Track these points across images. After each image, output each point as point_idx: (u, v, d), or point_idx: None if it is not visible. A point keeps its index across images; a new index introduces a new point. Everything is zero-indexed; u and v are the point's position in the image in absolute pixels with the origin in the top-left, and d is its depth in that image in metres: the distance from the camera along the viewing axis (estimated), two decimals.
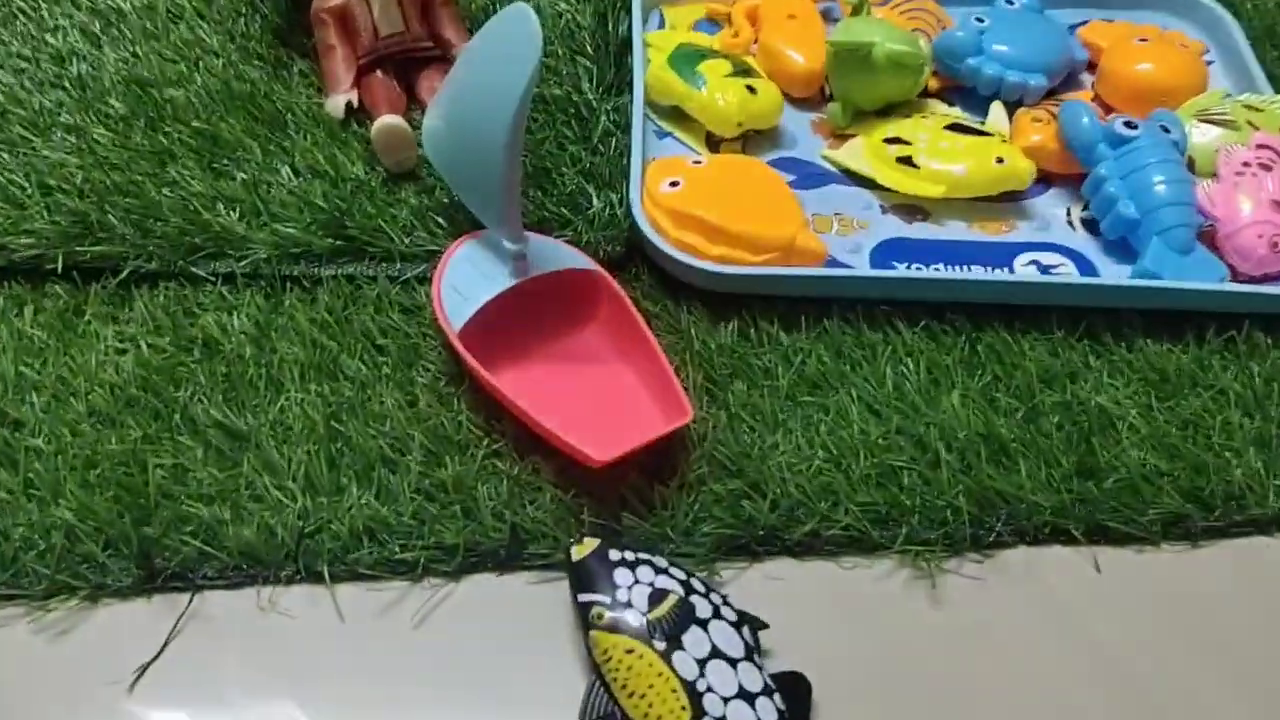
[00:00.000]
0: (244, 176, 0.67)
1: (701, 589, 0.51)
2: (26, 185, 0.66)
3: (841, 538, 0.56)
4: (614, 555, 0.52)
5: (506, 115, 0.54)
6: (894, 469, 0.58)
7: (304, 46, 0.75)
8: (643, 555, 0.52)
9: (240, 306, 0.63)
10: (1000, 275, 0.66)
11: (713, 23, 0.83)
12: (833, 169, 0.73)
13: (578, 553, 0.52)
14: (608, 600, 0.50)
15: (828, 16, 0.82)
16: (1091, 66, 0.79)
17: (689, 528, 0.56)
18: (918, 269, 0.67)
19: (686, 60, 0.74)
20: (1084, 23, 0.83)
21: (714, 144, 0.74)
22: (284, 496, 0.56)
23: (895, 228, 0.70)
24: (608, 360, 0.61)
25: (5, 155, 0.67)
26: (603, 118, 0.72)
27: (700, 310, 0.64)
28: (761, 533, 0.56)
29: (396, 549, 0.55)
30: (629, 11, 0.79)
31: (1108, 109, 0.75)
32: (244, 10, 0.78)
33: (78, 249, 0.63)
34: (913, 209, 0.71)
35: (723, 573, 0.56)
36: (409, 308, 0.64)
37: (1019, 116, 0.74)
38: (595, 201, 0.67)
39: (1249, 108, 0.73)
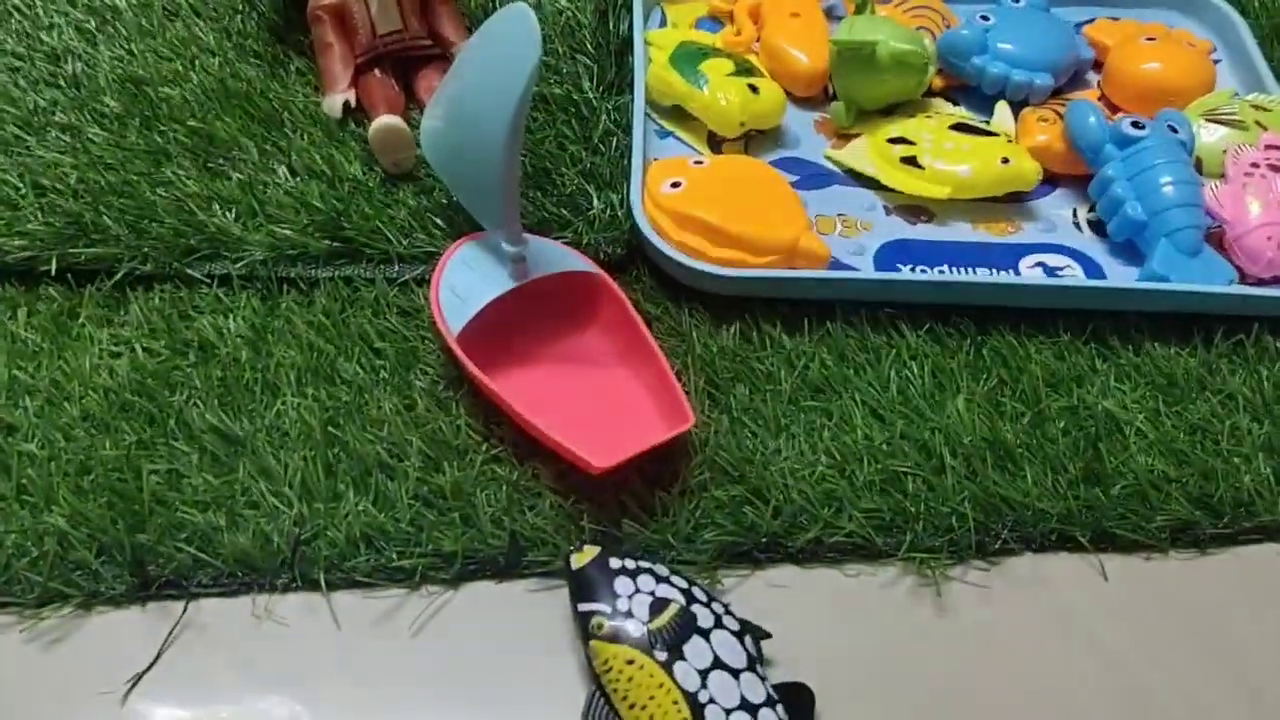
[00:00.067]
0: (240, 177, 0.66)
1: (703, 598, 0.51)
2: (20, 186, 0.65)
3: (845, 545, 0.56)
4: (614, 563, 0.51)
5: (505, 116, 0.53)
6: (898, 475, 0.57)
7: (301, 44, 0.74)
8: (644, 563, 0.51)
9: (236, 309, 0.63)
10: (1006, 278, 0.66)
11: (715, 20, 0.82)
12: (836, 169, 0.72)
13: (578, 561, 0.51)
14: (608, 610, 0.49)
15: (831, 14, 0.81)
16: (1098, 65, 0.78)
17: (690, 534, 0.55)
18: (922, 271, 0.66)
19: (688, 59, 0.73)
20: (1090, 21, 0.82)
21: (716, 144, 0.73)
22: (280, 503, 0.55)
23: (899, 229, 0.69)
24: (608, 364, 0.61)
25: None
26: (603, 117, 0.71)
27: (702, 313, 0.64)
28: (764, 540, 0.55)
29: (394, 556, 0.54)
30: (630, 9, 0.78)
31: (1114, 108, 0.75)
32: (241, 7, 0.77)
33: (72, 251, 0.63)
34: (917, 210, 0.70)
35: (724, 580, 0.55)
36: (407, 310, 0.63)
37: (1025, 116, 0.73)
38: (596, 202, 0.66)
39: (1257, 107, 0.73)
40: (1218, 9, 0.83)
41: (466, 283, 0.60)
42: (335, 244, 0.64)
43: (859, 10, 0.75)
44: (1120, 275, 0.66)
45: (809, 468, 0.57)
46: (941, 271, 0.66)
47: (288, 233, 0.64)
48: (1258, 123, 0.71)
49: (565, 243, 0.64)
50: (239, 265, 0.63)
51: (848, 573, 0.56)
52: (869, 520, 0.56)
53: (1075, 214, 0.71)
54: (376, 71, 0.71)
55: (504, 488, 0.56)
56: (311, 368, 0.60)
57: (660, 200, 0.65)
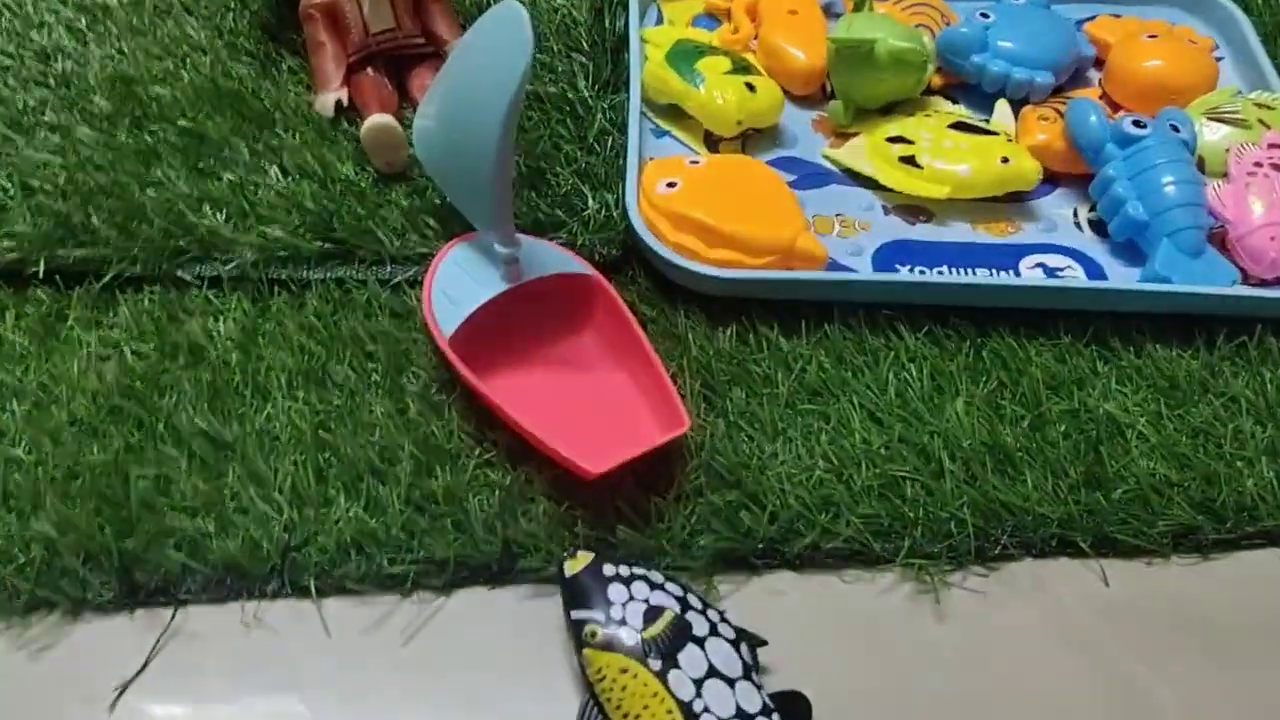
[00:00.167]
0: (231, 177, 0.66)
1: (698, 605, 0.50)
2: (8, 186, 0.64)
3: (843, 550, 0.55)
4: (608, 570, 0.50)
5: (497, 117, 0.52)
6: (896, 479, 0.57)
7: (293, 43, 0.74)
8: (638, 570, 0.51)
9: (226, 311, 0.62)
10: (1006, 279, 0.65)
11: (712, 18, 0.81)
12: (834, 169, 0.72)
13: (571, 568, 0.50)
14: (601, 618, 0.49)
15: (829, 11, 0.80)
16: (1099, 63, 0.78)
17: (686, 540, 0.54)
18: (921, 272, 0.65)
19: (684, 57, 0.72)
20: (1091, 18, 0.81)
21: (713, 143, 0.72)
22: (270, 508, 0.54)
23: (898, 229, 0.68)
24: (603, 367, 0.60)
25: None
26: (599, 116, 0.70)
27: (698, 315, 0.63)
28: (760, 545, 0.55)
29: (385, 562, 0.53)
30: (626, 6, 0.77)
31: (1115, 106, 0.74)
32: (232, 5, 0.76)
33: (60, 252, 0.62)
34: (916, 210, 0.69)
35: (720, 587, 0.54)
36: (399, 312, 0.62)
37: (1025, 115, 0.72)
38: (591, 203, 0.65)
39: (1260, 105, 0.72)
40: (1220, 6, 0.82)
41: (459, 285, 0.59)
42: (327, 245, 0.63)
43: (857, 7, 0.74)
44: (1122, 276, 0.66)
45: (806, 472, 0.57)
46: (941, 272, 0.65)
47: (279, 234, 0.63)
48: (1261, 121, 0.70)
49: (560, 243, 0.63)
50: (229, 267, 0.63)
51: (845, 579, 0.55)
52: (867, 526, 0.55)
53: (1076, 214, 0.70)
54: (369, 70, 0.70)
55: (497, 493, 0.55)
56: (302, 371, 0.59)
57: (656, 201, 0.64)
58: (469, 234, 0.62)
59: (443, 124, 0.60)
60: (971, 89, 0.76)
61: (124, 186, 0.64)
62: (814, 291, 0.63)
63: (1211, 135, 0.70)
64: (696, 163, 0.67)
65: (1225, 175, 0.68)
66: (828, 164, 0.72)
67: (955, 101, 0.76)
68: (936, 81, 0.75)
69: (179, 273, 0.63)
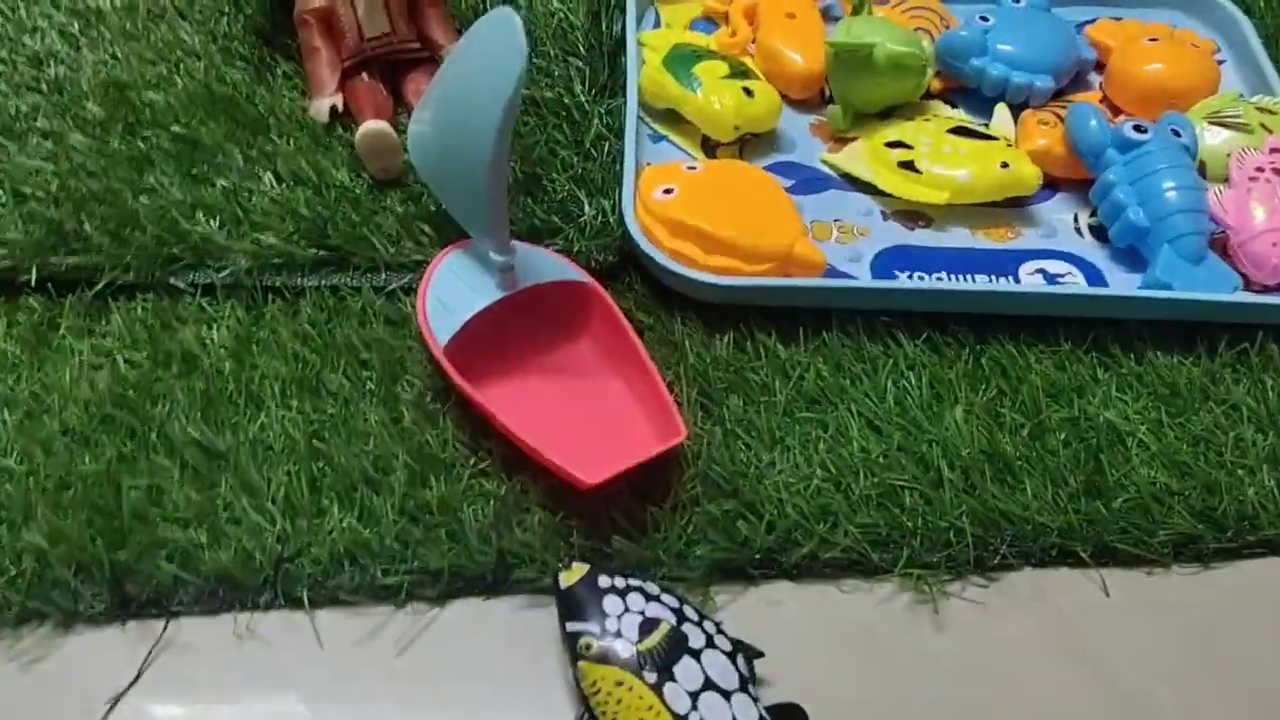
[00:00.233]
0: (224, 183, 0.65)
1: (694, 617, 0.50)
2: (0, 193, 0.64)
3: (841, 560, 0.54)
4: (603, 582, 0.50)
5: (492, 125, 0.52)
6: (895, 489, 0.56)
7: (288, 47, 0.73)
8: (633, 581, 0.50)
9: (220, 319, 0.61)
10: (1005, 286, 0.64)
11: (710, 21, 0.81)
12: (833, 173, 0.71)
13: (566, 579, 0.50)
14: (597, 630, 0.48)
15: (828, 15, 0.79)
16: (1100, 66, 0.77)
17: (682, 550, 0.54)
18: (920, 278, 0.65)
19: (682, 61, 0.71)
20: (1092, 21, 0.81)
21: (710, 147, 0.72)
22: (263, 519, 0.54)
23: (897, 234, 0.68)
24: (599, 375, 0.59)
25: None
26: (595, 121, 0.70)
27: (695, 322, 0.62)
28: (757, 555, 0.54)
29: (379, 573, 0.53)
30: (623, 9, 0.77)
31: (1116, 110, 0.73)
32: (226, 10, 0.76)
33: (52, 260, 0.62)
34: (915, 215, 0.69)
35: (717, 597, 0.54)
36: (394, 319, 0.62)
37: (1025, 119, 0.72)
38: (587, 209, 0.65)
39: (1262, 110, 0.71)
40: (1222, 8, 0.81)
41: (454, 293, 0.59)
42: (321, 252, 0.63)
43: (856, 11, 0.74)
44: (1122, 281, 0.65)
45: (804, 481, 0.56)
46: (940, 278, 0.65)
47: (273, 241, 0.62)
48: (1263, 125, 0.70)
49: (556, 250, 0.63)
50: (223, 274, 0.62)
51: (843, 589, 0.55)
52: (865, 535, 0.55)
53: (1076, 219, 0.69)
54: (364, 75, 0.69)
55: (492, 502, 0.55)
56: (296, 379, 0.59)
57: (652, 207, 0.64)
58: (464, 241, 0.61)
59: (437, 130, 0.60)
60: (971, 93, 0.75)
61: (117, 193, 0.64)
62: (812, 298, 0.63)
63: (1213, 140, 0.70)
64: (694, 168, 0.67)
65: (1227, 180, 0.67)
66: (826, 169, 0.71)
67: (954, 105, 0.75)
68: (936, 85, 0.75)
69: (172, 280, 0.62)
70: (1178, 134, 0.67)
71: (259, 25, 0.75)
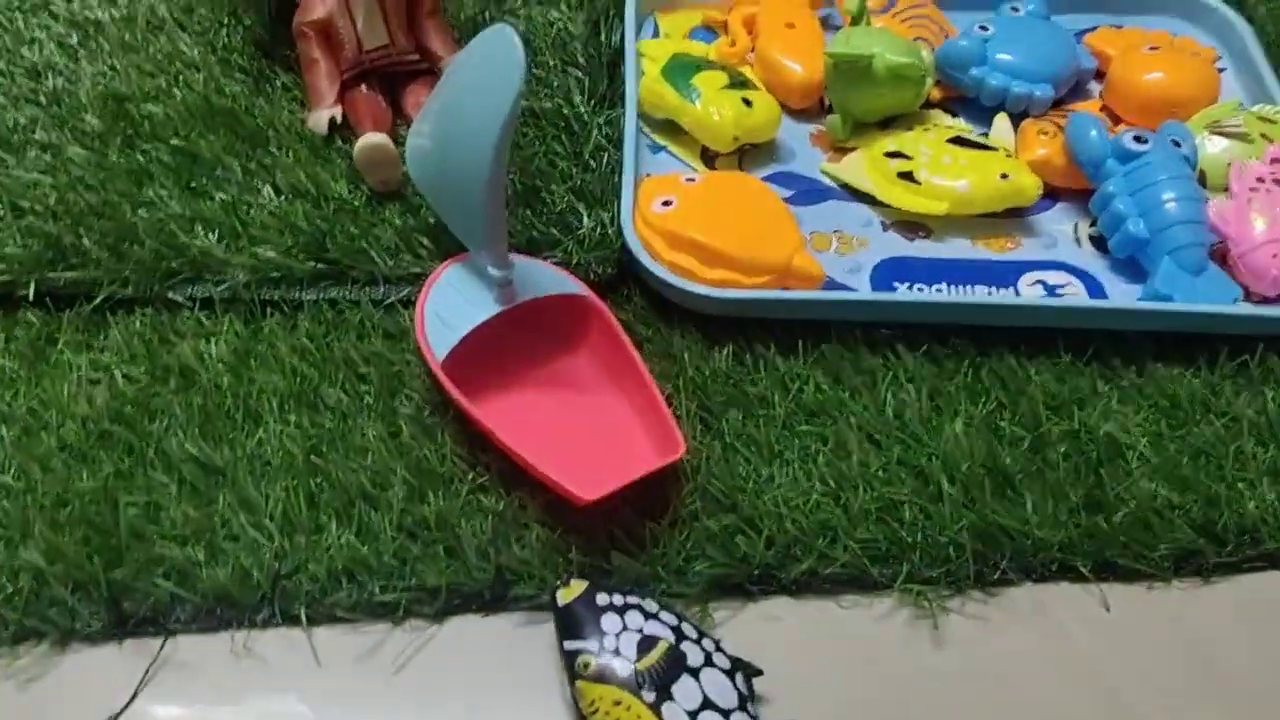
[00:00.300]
0: (223, 197, 0.65)
1: (693, 634, 0.49)
2: None
3: (840, 576, 0.54)
4: (602, 599, 0.50)
5: (490, 140, 0.52)
6: (894, 503, 0.56)
7: (287, 59, 0.73)
8: (632, 599, 0.50)
9: (218, 333, 0.61)
10: (1005, 298, 0.64)
11: (709, 30, 0.81)
12: (832, 184, 0.71)
13: (564, 596, 0.50)
14: (595, 648, 0.48)
15: (827, 24, 0.79)
16: (1100, 75, 0.77)
17: (681, 566, 0.54)
18: (919, 289, 0.65)
19: (681, 71, 0.71)
20: (1092, 29, 0.80)
21: (709, 158, 0.72)
22: (260, 535, 0.54)
23: (896, 245, 0.67)
24: (598, 390, 0.59)
25: None
26: (594, 132, 0.70)
27: (694, 334, 0.62)
28: (756, 571, 0.54)
29: (376, 590, 0.53)
30: (622, 20, 0.76)
31: (1116, 119, 0.73)
32: (226, 22, 0.76)
33: (50, 274, 0.62)
34: (914, 226, 0.69)
35: (716, 613, 0.53)
36: (393, 333, 0.62)
37: (1025, 128, 0.72)
38: (586, 221, 0.65)
39: (1263, 119, 0.71)
40: (1222, 16, 0.81)
41: (452, 307, 0.58)
42: (320, 266, 0.63)
43: (855, 21, 0.74)
44: (1122, 293, 0.65)
45: (803, 496, 0.56)
46: (940, 289, 0.65)
47: (271, 254, 0.62)
48: (1263, 135, 0.70)
49: (555, 262, 0.63)
50: (221, 288, 0.62)
51: (843, 604, 0.54)
52: (865, 550, 0.54)
53: (1076, 229, 0.69)
54: (363, 87, 0.69)
55: (490, 518, 0.55)
56: (294, 394, 0.59)
57: (651, 219, 0.64)
58: (463, 254, 0.61)
59: (436, 143, 0.60)
60: (970, 102, 0.75)
61: (115, 207, 0.64)
62: (811, 311, 0.62)
63: (1213, 149, 0.69)
64: (693, 180, 0.67)
65: (1227, 190, 0.67)
66: (825, 179, 0.71)
67: (954, 115, 0.75)
68: (935, 95, 0.75)
69: (170, 294, 0.62)
70: (1178, 144, 0.67)
71: (258, 37, 0.75)
